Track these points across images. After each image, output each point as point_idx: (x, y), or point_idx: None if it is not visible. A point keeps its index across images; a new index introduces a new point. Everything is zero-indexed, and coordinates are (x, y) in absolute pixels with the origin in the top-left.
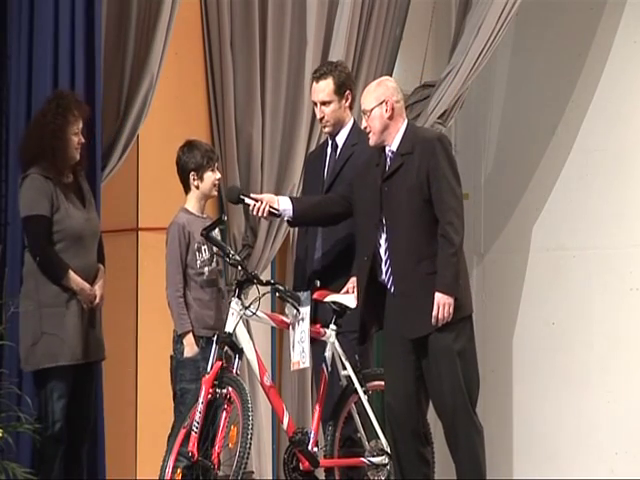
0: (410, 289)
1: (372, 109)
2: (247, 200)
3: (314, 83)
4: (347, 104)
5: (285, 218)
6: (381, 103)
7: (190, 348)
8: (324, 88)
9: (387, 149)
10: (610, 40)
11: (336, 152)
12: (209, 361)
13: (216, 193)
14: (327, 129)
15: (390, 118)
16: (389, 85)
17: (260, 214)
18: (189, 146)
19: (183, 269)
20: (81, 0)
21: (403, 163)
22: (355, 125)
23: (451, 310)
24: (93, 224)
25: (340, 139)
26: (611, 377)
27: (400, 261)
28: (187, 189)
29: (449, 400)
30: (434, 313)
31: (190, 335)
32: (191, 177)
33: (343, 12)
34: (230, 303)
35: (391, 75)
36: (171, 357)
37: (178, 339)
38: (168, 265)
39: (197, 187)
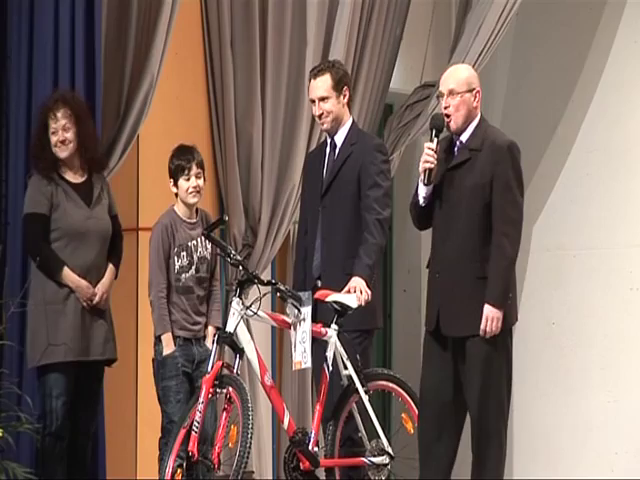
0: (456, 289)
1: (463, 92)
2: None
3: (312, 80)
4: (345, 101)
5: None
6: (471, 90)
7: (168, 346)
8: (322, 84)
9: (456, 138)
10: (610, 40)
11: (335, 151)
12: (194, 359)
13: (193, 201)
14: (325, 126)
15: (476, 108)
16: (475, 74)
17: None
18: (176, 151)
19: (166, 270)
20: (81, 0)
21: (470, 158)
22: (354, 125)
23: (499, 324)
24: (98, 223)
25: (339, 138)
26: (611, 377)
27: (452, 259)
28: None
29: (474, 405)
30: (482, 327)
31: (168, 334)
32: (170, 182)
33: (343, 12)
34: (231, 303)
35: (391, 75)
36: (153, 361)
37: (156, 341)
38: (151, 265)
39: (176, 194)
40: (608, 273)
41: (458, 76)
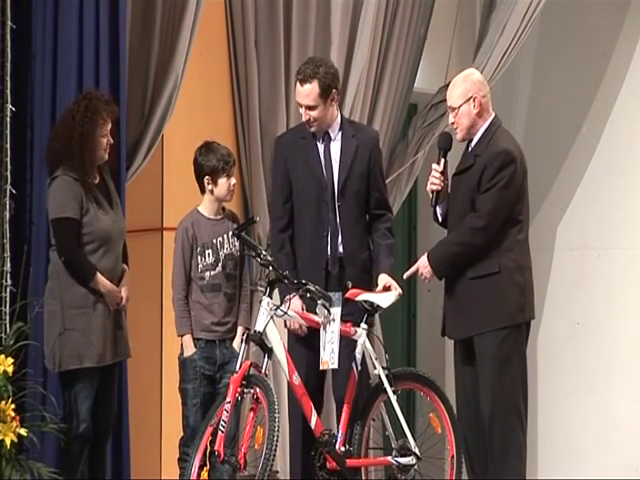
0: (455, 291)
1: (460, 106)
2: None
3: (298, 85)
4: (333, 103)
5: None
6: (469, 99)
7: (188, 349)
8: (309, 93)
9: (469, 143)
10: (635, 39)
11: (330, 145)
12: (215, 361)
13: (230, 199)
14: (314, 129)
15: (478, 115)
16: (475, 79)
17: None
18: (206, 148)
19: (187, 271)
20: (106, 0)
21: (473, 164)
22: (343, 116)
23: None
24: (120, 225)
25: (333, 132)
26: (636, 376)
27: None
28: (202, 190)
29: (486, 406)
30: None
31: (188, 336)
32: (205, 181)
33: (368, 11)
34: (261, 302)
35: (415, 74)
36: (178, 359)
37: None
38: (173, 268)
39: (211, 191)
40: (632, 272)
41: (453, 92)
